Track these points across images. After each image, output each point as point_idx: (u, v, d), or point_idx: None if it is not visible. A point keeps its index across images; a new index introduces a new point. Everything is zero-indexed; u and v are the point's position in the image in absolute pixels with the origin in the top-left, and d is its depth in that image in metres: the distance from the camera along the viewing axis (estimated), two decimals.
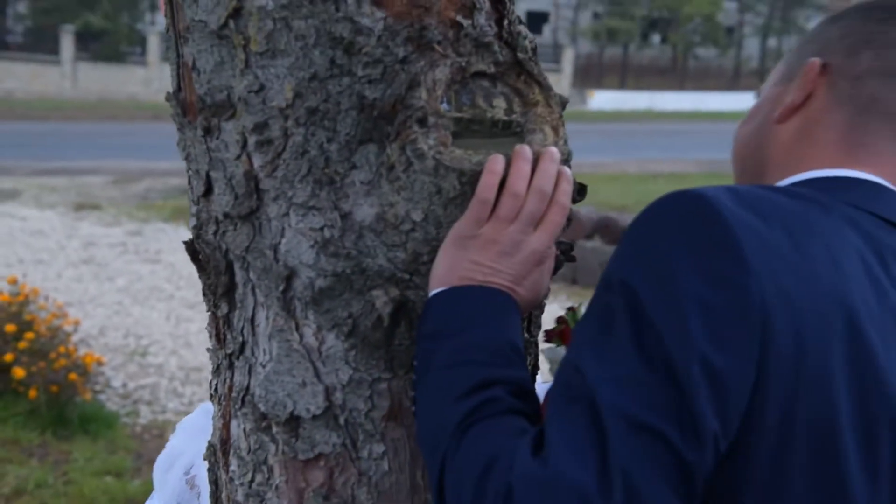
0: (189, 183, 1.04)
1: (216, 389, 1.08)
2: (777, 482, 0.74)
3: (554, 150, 0.93)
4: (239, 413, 1.02)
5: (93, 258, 7.71)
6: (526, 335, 1.02)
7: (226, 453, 1.06)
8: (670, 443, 0.69)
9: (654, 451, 0.69)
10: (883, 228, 0.83)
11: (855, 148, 0.88)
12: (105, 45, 27.21)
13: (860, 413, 0.75)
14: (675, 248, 0.74)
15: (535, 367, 1.07)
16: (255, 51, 0.92)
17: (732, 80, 36.96)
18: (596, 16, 38.38)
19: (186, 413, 3.40)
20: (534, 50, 0.99)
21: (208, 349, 1.09)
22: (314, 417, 0.96)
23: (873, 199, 0.85)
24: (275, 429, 0.98)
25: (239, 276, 1.00)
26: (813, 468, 0.74)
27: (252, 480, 1.01)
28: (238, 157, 0.96)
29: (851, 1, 0.97)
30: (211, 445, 1.09)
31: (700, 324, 0.71)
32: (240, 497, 1.03)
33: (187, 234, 1.05)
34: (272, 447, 0.99)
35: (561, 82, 28.86)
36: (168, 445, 1.30)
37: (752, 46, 40.68)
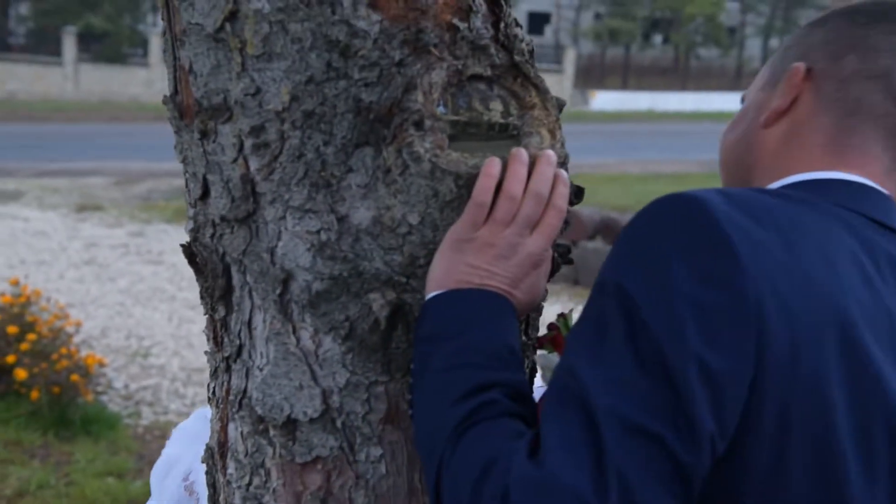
0: (186, 186, 1.04)
1: (214, 392, 1.08)
2: (774, 483, 0.74)
3: (551, 153, 0.93)
4: (236, 416, 1.02)
5: (95, 259, 7.72)
6: (524, 338, 1.02)
7: (223, 456, 1.06)
8: (666, 445, 0.69)
9: (650, 453, 0.69)
10: (873, 229, 0.84)
11: (842, 150, 0.89)
12: (107, 47, 27.24)
13: (856, 413, 0.75)
14: (669, 251, 0.74)
15: (533, 370, 1.07)
16: (252, 54, 0.92)
17: (734, 81, 36.92)
18: (598, 16, 38.37)
19: (188, 414, 3.41)
20: (530, 53, 0.99)
21: (206, 352, 1.09)
22: (311, 420, 0.96)
23: (862, 200, 0.85)
24: (272, 432, 0.99)
25: (236, 279, 1.00)
26: (810, 469, 0.74)
27: (249, 483, 1.01)
28: (235, 161, 0.96)
29: (853, 0, 0.97)
30: (209, 448, 1.09)
31: (695, 325, 0.71)
32: (237, 500, 1.03)
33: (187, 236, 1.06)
34: (269, 450, 0.99)
35: (563, 83, 28.86)
36: (164, 453, 1.30)
37: (754, 47, 40.65)
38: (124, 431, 4.27)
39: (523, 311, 0.93)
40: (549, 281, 0.98)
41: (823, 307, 0.75)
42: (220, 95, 0.95)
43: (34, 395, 4.08)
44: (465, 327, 0.86)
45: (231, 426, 1.04)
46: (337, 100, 0.91)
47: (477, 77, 0.95)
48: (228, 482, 1.05)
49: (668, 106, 29.72)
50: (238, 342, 1.01)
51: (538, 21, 39.55)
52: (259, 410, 0.99)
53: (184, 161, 1.03)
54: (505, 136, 0.96)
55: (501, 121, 0.96)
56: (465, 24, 0.93)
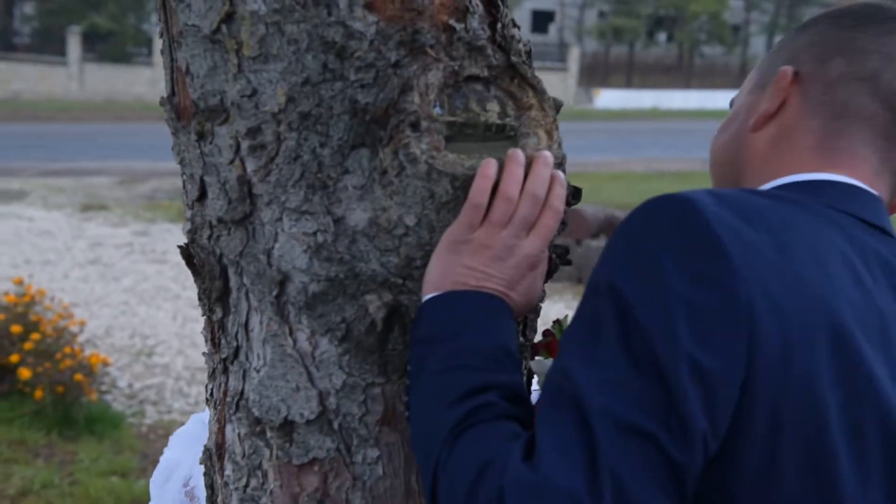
0: (184, 187, 1.04)
1: (212, 394, 1.08)
2: (767, 484, 0.74)
3: (547, 153, 0.93)
4: (233, 418, 1.02)
5: (99, 258, 7.74)
6: (521, 339, 1.02)
7: (221, 458, 1.06)
8: (659, 444, 0.70)
9: (644, 452, 0.70)
10: (863, 229, 0.84)
11: (831, 152, 0.89)
12: (111, 46, 27.30)
13: (849, 414, 0.75)
14: (661, 251, 0.75)
15: (531, 372, 1.07)
16: (248, 55, 0.92)
17: (738, 79, 36.81)
18: (602, 14, 38.32)
19: (192, 413, 3.41)
20: (528, 53, 0.98)
21: (203, 353, 1.09)
22: (308, 422, 0.96)
23: (852, 201, 0.86)
24: (269, 433, 0.98)
25: (233, 280, 1.00)
26: (803, 470, 0.75)
27: (247, 485, 1.01)
28: (231, 162, 0.96)
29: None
30: (206, 450, 1.09)
31: (687, 325, 0.71)
32: (234, 502, 1.03)
33: None
34: (266, 452, 0.99)
35: (567, 81, 28.85)
36: (162, 459, 1.29)
37: (758, 44, 40.57)
38: (128, 430, 4.28)
39: (520, 312, 0.93)
40: (546, 282, 0.98)
41: (815, 308, 0.75)
42: (216, 97, 0.95)
43: (38, 394, 4.09)
44: (462, 329, 0.86)
45: (228, 428, 1.04)
46: (333, 101, 0.90)
47: (474, 78, 0.95)
48: (226, 484, 1.05)
49: (672, 104, 29.70)
50: (235, 344, 1.01)
51: (542, 19, 39.52)
52: (256, 412, 0.99)
53: (181, 163, 1.03)
54: (502, 137, 0.96)
55: (498, 122, 0.95)
56: (462, 25, 0.93)
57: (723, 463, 0.73)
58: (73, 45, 25.63)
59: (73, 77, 25.75)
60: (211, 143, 0.97)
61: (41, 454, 3.93)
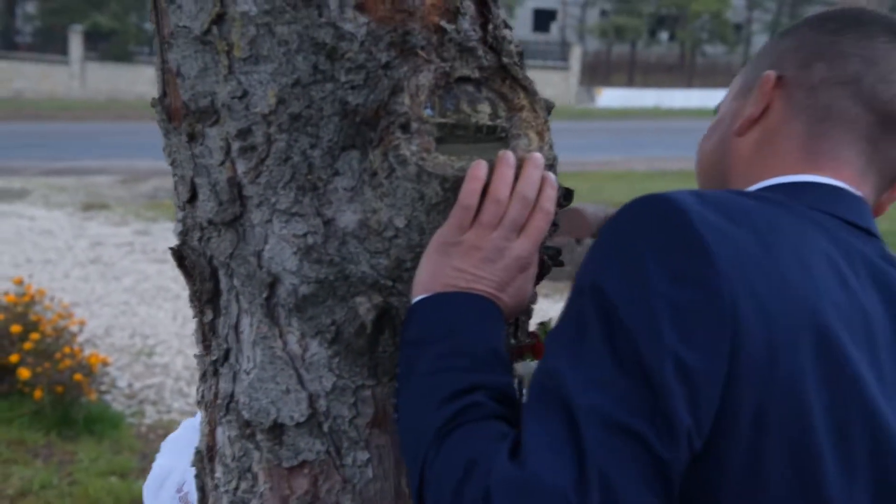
0: (175, 189, 1.04)
1: (203, 396, 1.07)
2: (752, 484, 0.74)
3: (538, 155, 0.92)
4: (224, 420, 1.02)
5: (100, 258, 7.74)
6: (513, 341, 1.02)
7: (212, 460, 1.06)
8: (646, 442, 0.70)
9: (630, 450, 0.70)
10: (847, 231, 0.85)
11: (815, 155, 0.90)
12: (114, 45, 27.30)
13: (834, 415, 0.76)
14: (644, 251, 0.75)
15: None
16: (239, 56, 0.91)
17: None
18: (604, 13, 38.29)
19: (192, 413, 3.41)
20: (519, 54, 0.98)
21: (195, 355, 1.09)
22: (298, 425, 0.96)
23: (836, 202, 0.86)
24: (259, 436, 0.98)
25: (223, 282, 1.00)
26: (788, 471, 0.75)
27: (237, 488, 1.01)
28: (222, 164, 0.95)
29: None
30: (198, 452, 1.09)
31: (671, 324, 0.72)
32: None
33: None
34: (256, 454, 0.99)
35: (569, 80, 28.84)
36: (155, 465, 1.29)
37: (760, 43, 40.41)
38: (128, 430, 4.28)
39: (511, 314, 0.93)
40: (538, 283, 0.98)
41: (800, 310, 0.75)
42: (207, 98, 0.94)
43: (37, 394, 4.09)
44: (452, 331, 0.86)
45: (219, 430, 1.04)
46: (323, 102, 0.90)
47: (464, 79, 0.94)
48: (216, 486, 1.04)
49: (673, 103, 29.67)
50: (225, 346, 1.01)
51: (544, 18, 39.50)
52: (246, 414, 0.98)
53: (172, 164, 1.03)
54: (492, 138, 0.95)
55: (489, 123, 0.95)
56: (453, 26, 0.92)
57: (707, 463, 0.73)
58: (75, 44, 25.64)
59: (75, 76, 25.77)
60: (202, 144, 0.97)
61: (40, 454, 3.93)
